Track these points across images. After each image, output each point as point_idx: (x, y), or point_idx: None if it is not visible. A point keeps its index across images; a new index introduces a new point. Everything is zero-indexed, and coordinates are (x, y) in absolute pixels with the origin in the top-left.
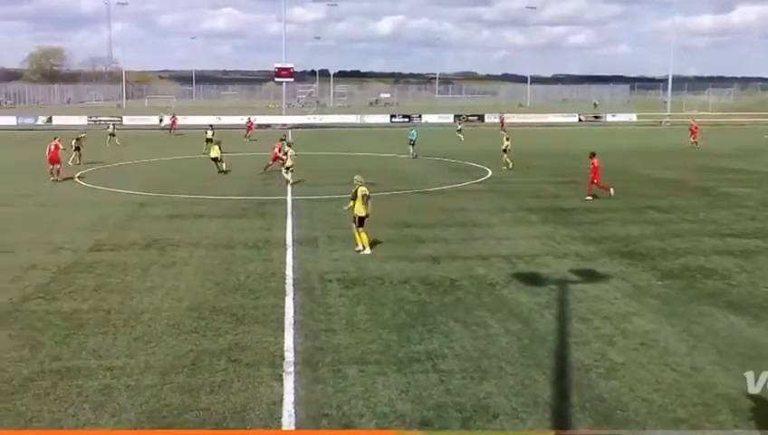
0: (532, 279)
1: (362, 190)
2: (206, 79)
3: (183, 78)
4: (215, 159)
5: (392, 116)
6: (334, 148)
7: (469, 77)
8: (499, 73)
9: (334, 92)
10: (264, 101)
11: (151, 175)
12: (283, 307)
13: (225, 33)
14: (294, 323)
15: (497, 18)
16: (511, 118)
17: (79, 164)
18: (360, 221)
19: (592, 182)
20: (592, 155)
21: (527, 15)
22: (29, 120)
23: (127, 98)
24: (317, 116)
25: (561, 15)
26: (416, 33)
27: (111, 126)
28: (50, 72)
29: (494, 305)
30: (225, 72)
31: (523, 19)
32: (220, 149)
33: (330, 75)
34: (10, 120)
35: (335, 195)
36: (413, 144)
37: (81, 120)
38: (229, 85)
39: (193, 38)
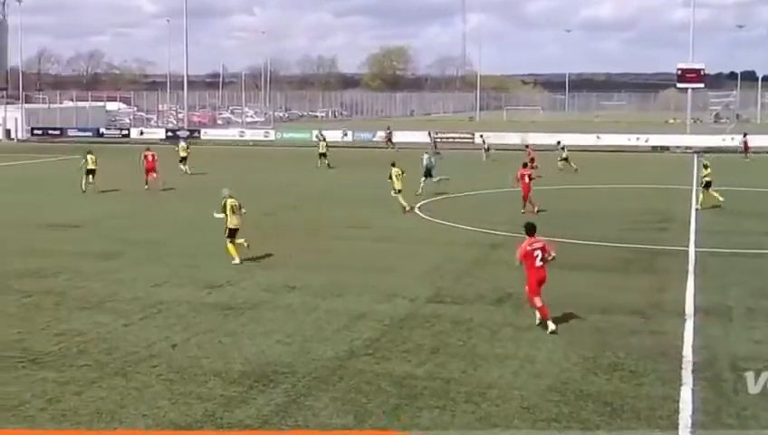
0: None
1: (231, 202)
2: (582, 84)
3: (553, 84)
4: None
5: None
6: (761, 181)
7: None
8: None
9: (763, 103)
10: (661, 114)
11: (505, 208)
12: (677, 401)
13: (610, 23)
14: (693, 425)
15: None
16: None
17: (186, 173)
18: (232, 233)
19: None
20: None
21: None
22: (365, 136)
23: (481, 109)
24: (735, 136)
25: None
26: None
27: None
28: (391, 78)
29: None
30: (608, 76)
31: None
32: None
33: (757, 79)
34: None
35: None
36: (429, 175)
37: (423, 137)
38: (614, 93)
39: (568, 31)
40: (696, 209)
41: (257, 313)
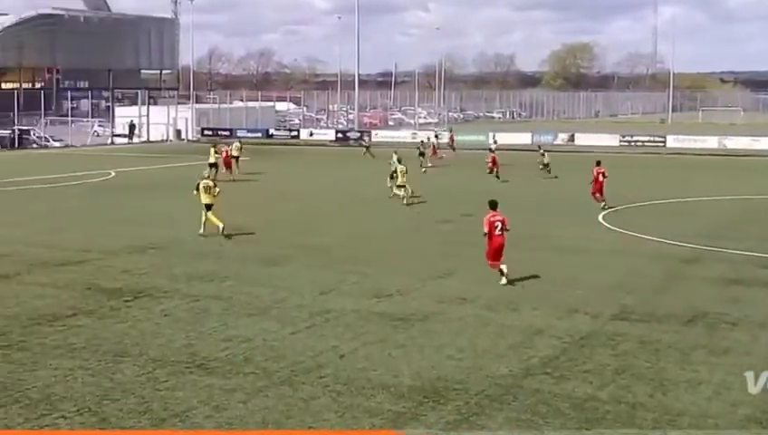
0: None
1: (204, 183)
2: None
3: (756, 82)
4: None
5: None
6: None
7: None
8: None
9: None
10: None
11: (696, 219)
12: None
13: None
14: None
15: None
16: None
17: (234, 176)
18: (207, 208)
19: None
20: None
21: None
22: (546, 139)
23: (674, 110)
24: None
25: None
26: None
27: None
28: (574, 76)
29: None
30: None
31: None
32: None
33: None
34: (524, 138)
35: None
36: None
37: (612, 141)
38: None
39: None
40: None
41: (428, 325)
